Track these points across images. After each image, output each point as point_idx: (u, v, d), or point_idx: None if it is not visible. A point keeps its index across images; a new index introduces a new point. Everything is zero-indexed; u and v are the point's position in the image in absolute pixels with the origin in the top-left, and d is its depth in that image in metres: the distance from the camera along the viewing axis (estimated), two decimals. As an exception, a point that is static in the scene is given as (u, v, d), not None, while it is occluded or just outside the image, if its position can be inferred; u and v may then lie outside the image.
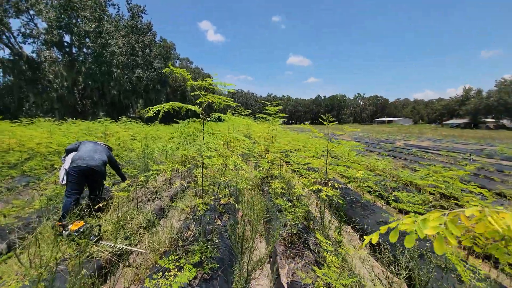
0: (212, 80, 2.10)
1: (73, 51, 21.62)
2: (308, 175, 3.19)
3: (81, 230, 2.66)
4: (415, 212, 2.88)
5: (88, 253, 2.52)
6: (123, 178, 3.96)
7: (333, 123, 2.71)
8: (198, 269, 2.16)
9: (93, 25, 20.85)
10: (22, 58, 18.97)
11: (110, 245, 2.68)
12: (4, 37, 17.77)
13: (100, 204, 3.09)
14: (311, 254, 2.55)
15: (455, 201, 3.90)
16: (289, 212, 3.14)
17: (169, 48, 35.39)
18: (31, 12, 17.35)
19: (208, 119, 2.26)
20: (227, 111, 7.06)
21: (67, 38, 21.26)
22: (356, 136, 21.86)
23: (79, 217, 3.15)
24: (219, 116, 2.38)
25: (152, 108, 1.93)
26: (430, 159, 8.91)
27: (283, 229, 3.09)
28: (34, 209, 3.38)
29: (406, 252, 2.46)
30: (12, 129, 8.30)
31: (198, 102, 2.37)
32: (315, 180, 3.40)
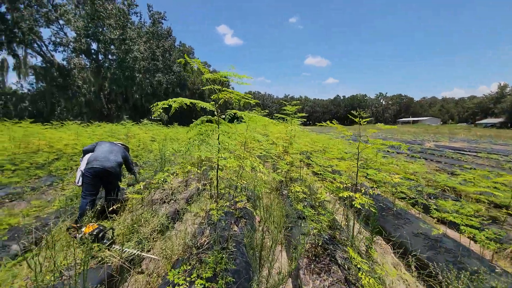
0: (227, 73, 1.88)
1: (100, 57, 22.90)
2: (333, 178, 2.86)
3: (95, 233, 2.57)
4: (466, 225, 2.44)
5: (100, 258, 2.41)
6: (136, 179, 3.91)
7: (366, 119, 2.37)
8: (212, 283, 1.93)
9: (117, 33, 21.90)
10: (54, 65, 20.41)
11: (123, 250, 2.56)
12: (36, 45, 19.24)
13: (114, 206, 3.00)
14: (339, 270, 2.23)
15: (506, 211, 3.34)
16: (312, 220, 2.83)
17: (188, 52, 36.28)
18: (61, 21, 18.66)
19: (223, 116, 2.05)
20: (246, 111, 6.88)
21: (94, 45, 22.58)
22: (379, 137, 20.71)
23: (94, 219, 3.09)
24: (235, 114, 2.15)
25: (158, 104, 1.75)
26: (467, 162, 8.04)
27: (305, 238, 2.79)
28: (53, 209, 3.38)
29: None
30: (42, 131, 8.78)
31: (213, 99, 2.16)
32: (341, 184, 3.06)
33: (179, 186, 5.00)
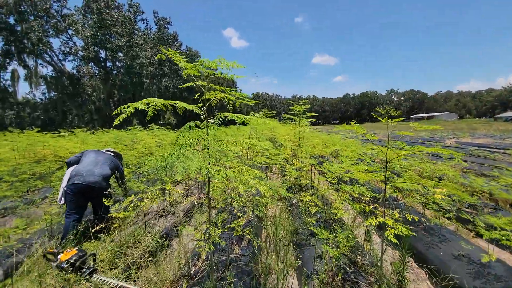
0: (210, 62, 1.46)
1: (108, 65, 23.25)
2: (352, 191, 2.38)
3: (72, 260, 2.21)
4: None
5: (76, 292, 2.04)
6: (125, 193, 3.56)
7: (397, 118, 1.88)
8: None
9: (124, 40, 22.14)
10: (64, 74, 20.86)
11: (103, 280, 2.19)
12: (46, 55, 19.71)
13: (97, 227, 2.64)
14: (365, 312, 1.75)
15: None
16: (327, 241, 2.36)
17: (194, 56, 36.39)
18: (70, 31, 19.04)
19: (212, 121, 1.63)
20: (249, 113, 6.45)
21: (102, 53, 22.95)
22: (392, 135, 19.73)
23: (74, 242, 2.75)
24: (225, 117, 1.73)
25: (129, 106, 1.37)
26: (497, 160, 7.25)
27: (319, 264, 2.32)
28: (36, 228, 3.08)
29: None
30: (47, 140, 8.69)
31: (200, 100, 1.76)
32: (360, 197, 2.57)
33: (178, 197, 4.63)
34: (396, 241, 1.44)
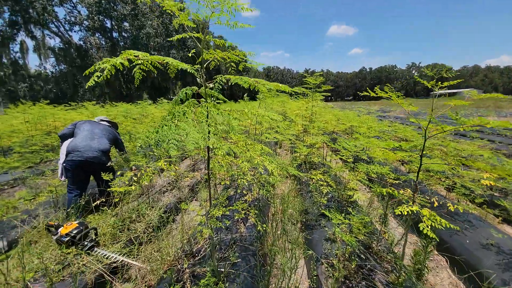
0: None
1: (114, 35, 22.60)
2: (371, 171, 2.10)
3: (73, 233, 2.15)
4: None
5: (77, 265, 2.00)
6: (127, 163, 3.41)
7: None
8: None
9: (129, 8, 21.10)
10: (72, 46, 20.52)
11: (104, 254, 2.14)
12: (53, 26, 19.27)
13: (98, 201, 2.56)
14: (381, 304, 1.58)
15: None
16: (338, 225, 2.16)
17: (203, 27, 34.58)
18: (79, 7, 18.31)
19: (212, 85, 1.35)
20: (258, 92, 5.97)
21: (107, 23, 22.16)
22: (411, 112, 18.67)
23: (78, 215, 2.70)
24: (228, 80, 1.45)
25: (102, 63, 1.11)
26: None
27: (329, 245, 2.15)
28: (41, 200, 3.06)
29: None
30: (57, 112, 8.71)
31: (197, 62, 1.47)
32: (381, 178, 2.30)
33: (184, 171, 4.54)
34: (430, 232, 1.19)
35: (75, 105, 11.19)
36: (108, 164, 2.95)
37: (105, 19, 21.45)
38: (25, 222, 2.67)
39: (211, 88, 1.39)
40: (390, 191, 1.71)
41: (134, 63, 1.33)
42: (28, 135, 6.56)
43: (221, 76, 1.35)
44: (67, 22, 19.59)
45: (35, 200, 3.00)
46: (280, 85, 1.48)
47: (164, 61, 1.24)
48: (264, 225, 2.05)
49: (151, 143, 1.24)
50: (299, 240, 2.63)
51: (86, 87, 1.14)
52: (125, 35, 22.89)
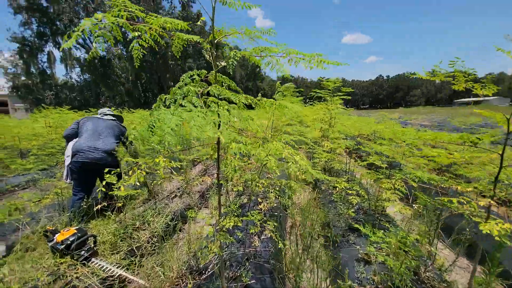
0: None
1: (135, 45, 23.60)
2: (413, 178, 1.73)
3: (69, 241, 1.94)
4: None
5: (70, 276, 1.76)
6: (135, 157, 3.21)
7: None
8: None
9: (149, 20, 22.04)
10: (96, 56, 21.64)
11: (102, 266, 1.90)
12: (78, 37, 20.42)
13: (98, 206, 2.35)
14: None
15: None
16: (373, 243, 1.79)
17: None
18: (98, 12, 19.43)
19: (224, 63, 1.10)
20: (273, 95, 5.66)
21: (129, 34, 23.23)
22: (435, 120, 17.58)
23: (79, 219, 2.51)
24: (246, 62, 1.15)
25: (77, 29, 0.89)
26: None
27: (361, 266, 1.76)
28: (46, 203, 2.92)
29: None
30: (77, 117, 8.94)
31: (208, 40, 1.23)
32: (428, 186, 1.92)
33: (195, 177, 4.30)
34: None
35: (95, 110, 11.48)
36: (115, 164, 2.78)
37: (127, 32, 22.53)
38: (27, 226, 2.51)
39: (224, 67, 1.13)
40: (445, 201, 1.34)
41: (131, 37, 1.11)
42: (48, 139, 6.68)
43: (235, 52, 1.08)
44: (92, 34, 20.77)
45: (41, 202, 2.87)
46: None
47: (167, 25, 1.00)
48: (283, 242, 1.72)
49: (144, 134, 0.99)
50: (323, 258, 2.25)
51: (61, 49, 0.91)
52: (145, 45, 23.90)
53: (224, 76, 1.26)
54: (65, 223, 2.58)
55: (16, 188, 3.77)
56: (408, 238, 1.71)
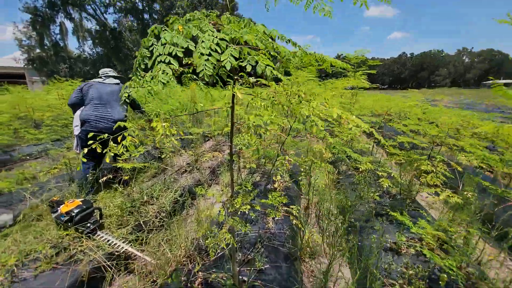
0: None
1: (145, 17, 22.82)
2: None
3: (74, 213, 1.84)
4: None
5: (75, 250, 1.68)
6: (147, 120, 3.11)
7: None
8: None
9: (160, -12, 20.94)
10: (107, 28, 21.17)
11: (108, 240, 1.81)
12: (89, 8, 19.95)
13: (104, 178, 2.22)
14: None
15: None
16: (404, 230, 1.55)
17: (232, 7, 33.48)
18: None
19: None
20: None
21: (139, 5, 22.35)
22: (464, 102, 16.22)
23: (87, 191, 2.42)
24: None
25: None
26: None
27: (389, 256, 1.55)
28: (53, 173, 2.87)
29: None
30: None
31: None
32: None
33: (204, 151, 4.14)
34: None
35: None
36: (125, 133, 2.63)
37: (137, 1, 21.63)
38: (35, 196, 2.47)
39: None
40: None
41: None
42: (62, 110, 6.69)
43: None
44: (102, 5, 20.15)
45: (49, 172, 2.81)
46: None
47: None
48: (303, 225, 1.52)
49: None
50: (342, 244, 2.06)
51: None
52: (156, 16, 22.96)
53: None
54: (74, 194, 2.52)
55: (28, 158, 3.77)
56: (451, 229, 1.46)
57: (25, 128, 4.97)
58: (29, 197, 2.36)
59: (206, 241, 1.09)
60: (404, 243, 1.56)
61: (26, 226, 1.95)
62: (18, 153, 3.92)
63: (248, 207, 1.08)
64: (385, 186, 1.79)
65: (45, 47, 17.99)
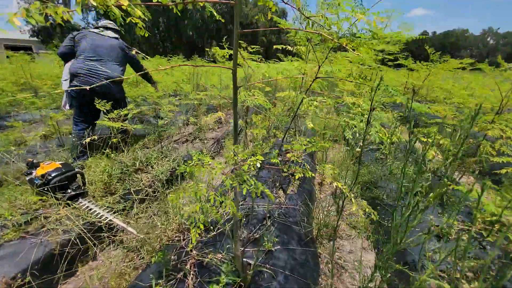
0: None
1: (150, -14, 21.60)
2: None
3: (50, 177, 1.56)
4: None
5: (50, 218, 1.42)
6: (153, 84, 2.86)
7: None
8: None
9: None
10: (110, -3, 20.22)
11: (90, 208, 1.54)
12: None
13: (90, 138, 1.92)
14: None
15: None
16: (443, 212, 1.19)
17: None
18: None
19: None
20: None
21: (144, -28, 21.05)
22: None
23: (76, 154, 2.15)
24: None
25: None
26: None
27: (433, 243, 1.22)
28: (40, 136, 2.60)
29: None
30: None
31: None
32: None
33: (211, 123, 3.80)
34: None
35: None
36: (119, 95, 2.34)
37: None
38: (21, 159, 2.22)
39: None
40: None
41: None
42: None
43: None
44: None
45: (37, 135, 2.55)
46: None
47: None
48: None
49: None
50: (364, 224, 1.75)
51: None
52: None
53: None
54: (65, 159, 2.26)
55: (27, 123, 3.56)
56: None
57: (21, 94, 4.73)
58: (12, 161, 2.11)
59: (206, 204, 0.76)
60: (455, 227, 1.21)
61: (1, 190, 1.70)
62: (13, 119, 3.70)
63: (261, 158, 0.74)
64: (430, 157, 1.40)
65: (50, 17, 17.41)
